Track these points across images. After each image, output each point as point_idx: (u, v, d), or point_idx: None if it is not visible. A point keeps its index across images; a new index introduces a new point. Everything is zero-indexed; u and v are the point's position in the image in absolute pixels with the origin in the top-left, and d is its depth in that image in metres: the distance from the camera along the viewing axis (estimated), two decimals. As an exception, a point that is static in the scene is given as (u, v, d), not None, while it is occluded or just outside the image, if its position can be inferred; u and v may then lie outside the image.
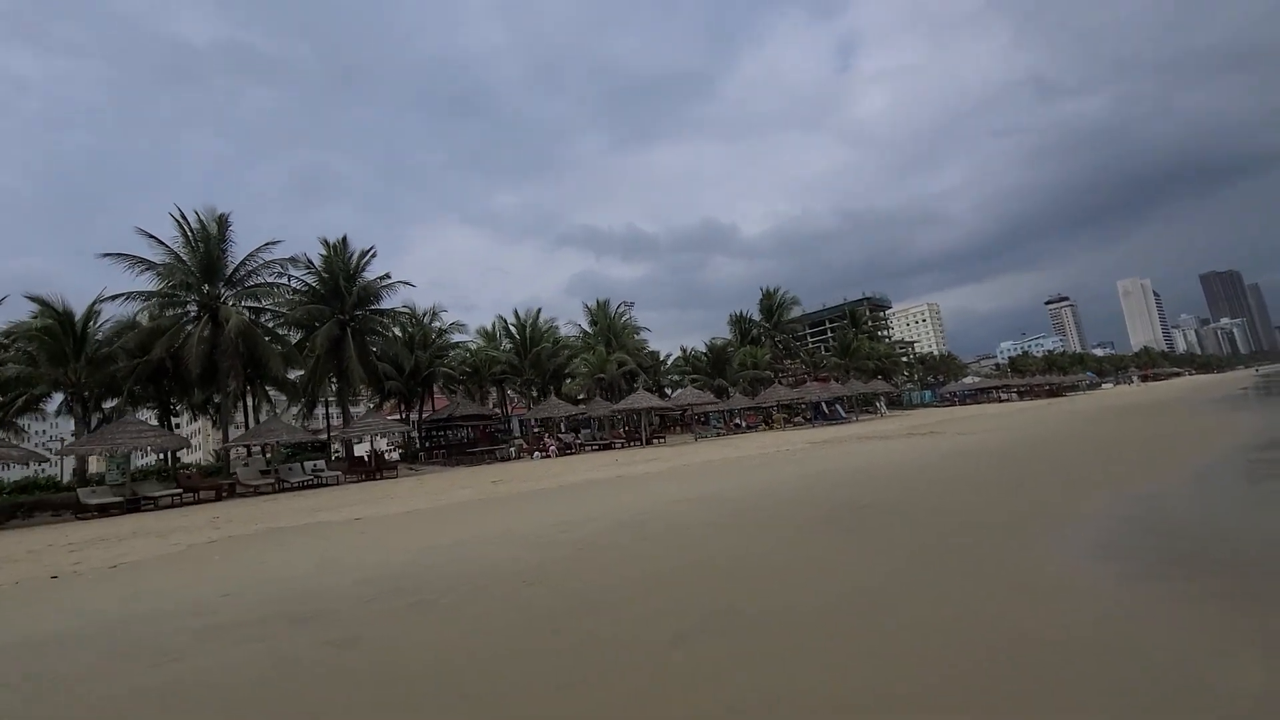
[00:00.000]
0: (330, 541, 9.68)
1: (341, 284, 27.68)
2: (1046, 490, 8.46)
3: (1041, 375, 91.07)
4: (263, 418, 36.17)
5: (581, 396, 43.35)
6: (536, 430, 36.28)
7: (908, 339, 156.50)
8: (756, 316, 58.81)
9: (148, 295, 22.77)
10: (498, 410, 40.87)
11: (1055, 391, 76.47)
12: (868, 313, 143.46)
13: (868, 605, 4.23)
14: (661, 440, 35.75)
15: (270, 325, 26.86)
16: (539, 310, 37.84)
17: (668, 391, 52.03)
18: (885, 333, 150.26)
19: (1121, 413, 26.55)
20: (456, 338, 38.67)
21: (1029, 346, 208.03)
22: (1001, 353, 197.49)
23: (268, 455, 24.54)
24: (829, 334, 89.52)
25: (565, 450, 29.86)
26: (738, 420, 48.36)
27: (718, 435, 38.32)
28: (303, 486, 22.41)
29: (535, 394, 39.56)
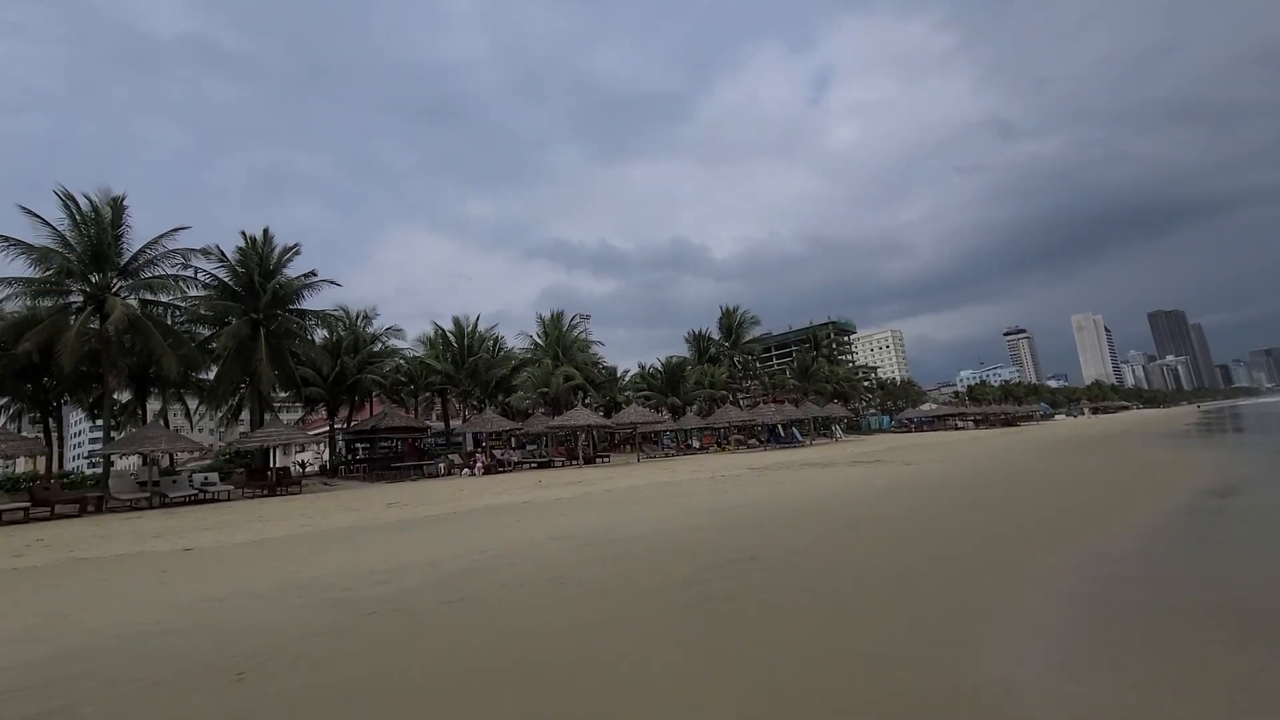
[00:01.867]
0: (110, 584, 7.79)
1: (257, 280, 25.40)
2: (985, 545, 7.05)
3: (997, 404, 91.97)
4: (177, 423, 33.47)
5: (542, 412, 41.48)
6: (485, 445, 34.17)
7: (871, 364, 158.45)
8: (716, 335, 57.74)
9: (17, 281, 20.22)
10: (433, 422, 38.61)
11: (1010, 421, 77.03)
12: (831, 336, 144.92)
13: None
14: (605, 459, 34.03)
15: (175, 323, 24.47)
16: (478, 317, 35.73)
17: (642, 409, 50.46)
18: (849, 357, 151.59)
19: (1072, 446, 25.79)
20: (396, 344, 36.51)
21: (987, 376, 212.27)
22: (961, 381, 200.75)
23: (157, 464, 22.08)
24: (794, 357, 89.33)
25: (497, 468, 27.89)
26: (692, 440, 46.92)
27: (666, 456, 36.74)
28: (188, 502, 20.04)
29: (475, 406, 37.51)
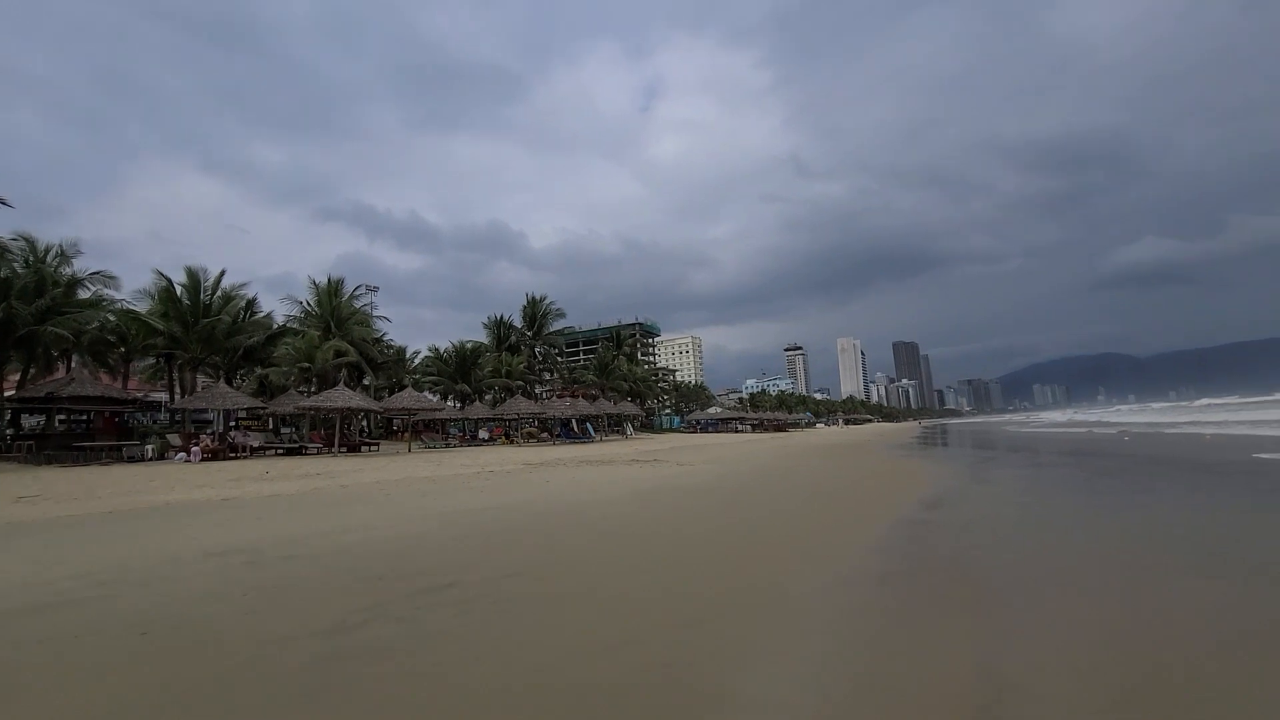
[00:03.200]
0: None
1: None
2: (734, 563, 6.38)
3: (772, 412, 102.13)
4: None
5: (301, 390, 35.84)
6: (223, 427, 28.11)
7: (671, 367, 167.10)
8: (519, 323, 55.72)
9: None
10: (162, 395, 31.55)
11: (781, 427, 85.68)
12: (638, 337, 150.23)
13: None
14: (374, 448, 30.46)
15: None
16: (222, 273, 29.19)
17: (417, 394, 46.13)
18: (651, 358, 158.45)
19: (826, 452, 28.46)
20: (110, 294, 28.92)
21: (767, 385, 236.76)
22: (746, 388, 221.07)
23: None
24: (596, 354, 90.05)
25: (229, 453, 23.16)
26: (481, 431, 44.44)
27: (446, 447, 34.01)
28: None
29: (214, 379, 31.30)
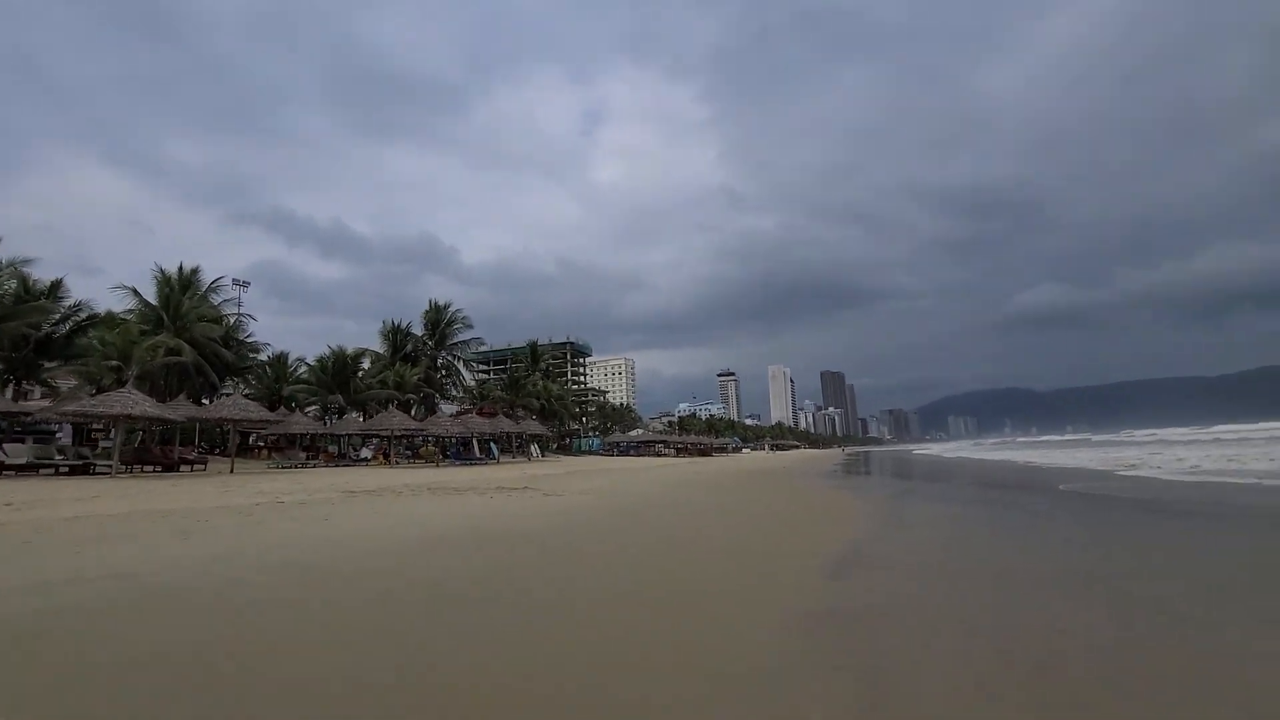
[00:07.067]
0: None
1: None
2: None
3: (698, 436, 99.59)
4: None
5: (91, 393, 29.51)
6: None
7: (603, 389, 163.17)
8: (420, 331, 50.54)
9: None
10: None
11: (705, 451, 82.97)
12: (569, 356, 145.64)
13: None
14: (201, 468, 25.08)
15: None
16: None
17: (293, 406, 40.10)
18: (582, 379, 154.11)
19: (737, 478, 25.24)
20: None
21: (699, 410, 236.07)
22: (678, 412, 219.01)
23: None
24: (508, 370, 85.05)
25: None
26: (365, 451, 38.99)
27: (296, 467, 28.66)
28: None
29: (9, 378, 25.11)
